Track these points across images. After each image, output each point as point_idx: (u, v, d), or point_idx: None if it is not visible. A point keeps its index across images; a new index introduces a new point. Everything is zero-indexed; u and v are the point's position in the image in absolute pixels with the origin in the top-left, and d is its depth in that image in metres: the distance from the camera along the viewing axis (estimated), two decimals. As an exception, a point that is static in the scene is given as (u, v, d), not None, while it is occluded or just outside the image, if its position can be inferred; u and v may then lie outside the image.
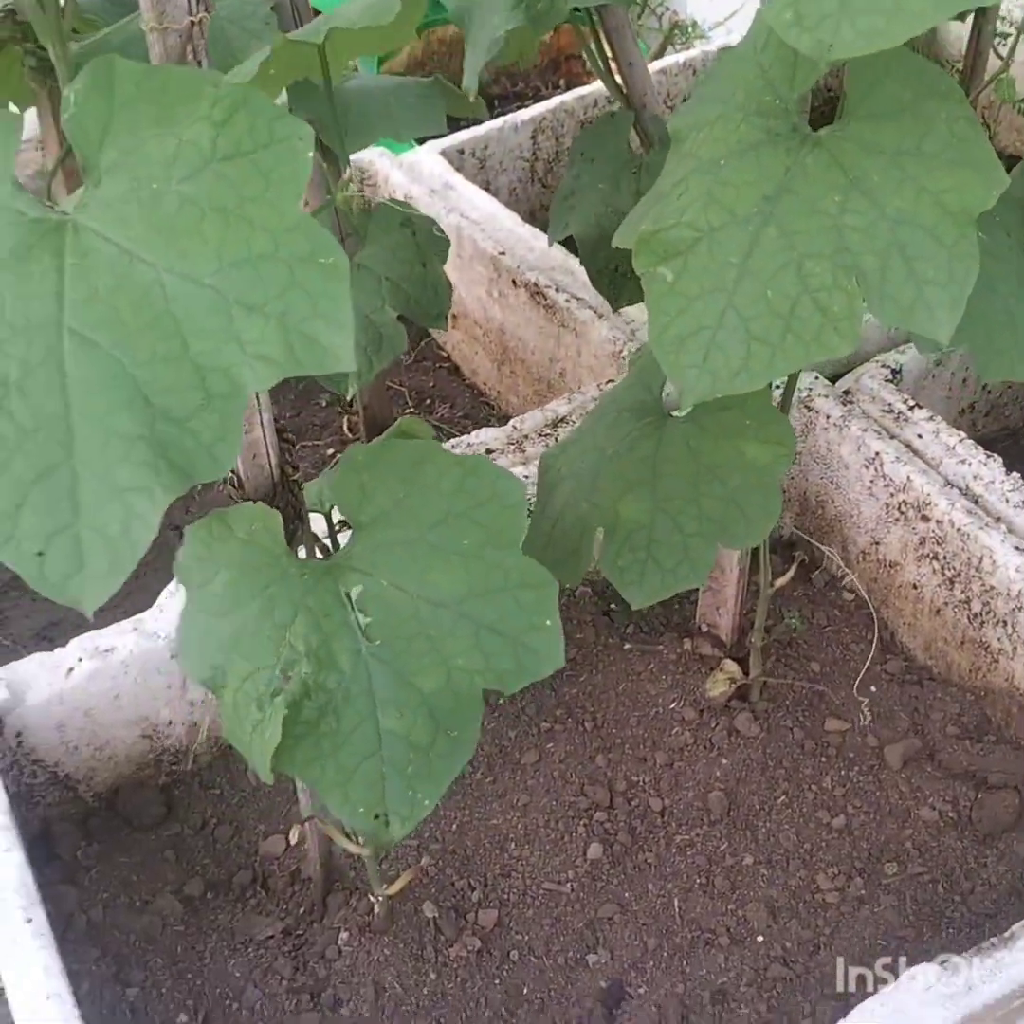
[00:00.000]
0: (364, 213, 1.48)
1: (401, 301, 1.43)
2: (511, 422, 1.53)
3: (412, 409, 1.90)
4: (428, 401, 1.92)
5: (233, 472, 0.96)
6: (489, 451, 1.50)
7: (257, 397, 0.94)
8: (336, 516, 0.99)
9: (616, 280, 1.49)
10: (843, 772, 1.39)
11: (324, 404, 1.91)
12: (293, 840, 1.21)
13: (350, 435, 1.82)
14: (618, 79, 1.39)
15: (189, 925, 1.27)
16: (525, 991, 1.22)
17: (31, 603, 1.65)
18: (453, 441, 1.53)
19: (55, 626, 1.61)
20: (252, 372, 0.69)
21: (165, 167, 0.69)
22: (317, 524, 1.00)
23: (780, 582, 1.35)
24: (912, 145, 0.90)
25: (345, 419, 1.85)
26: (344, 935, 1.24)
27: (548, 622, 0.91)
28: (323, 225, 0.71)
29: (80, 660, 1.29)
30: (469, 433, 1.55)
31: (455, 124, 2.06)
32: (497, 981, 1.23)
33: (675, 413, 1.16)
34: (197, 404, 0.69)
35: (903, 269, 0.91)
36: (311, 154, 0.70)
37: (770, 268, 0.93)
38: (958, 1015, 1.04)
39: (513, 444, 1.51)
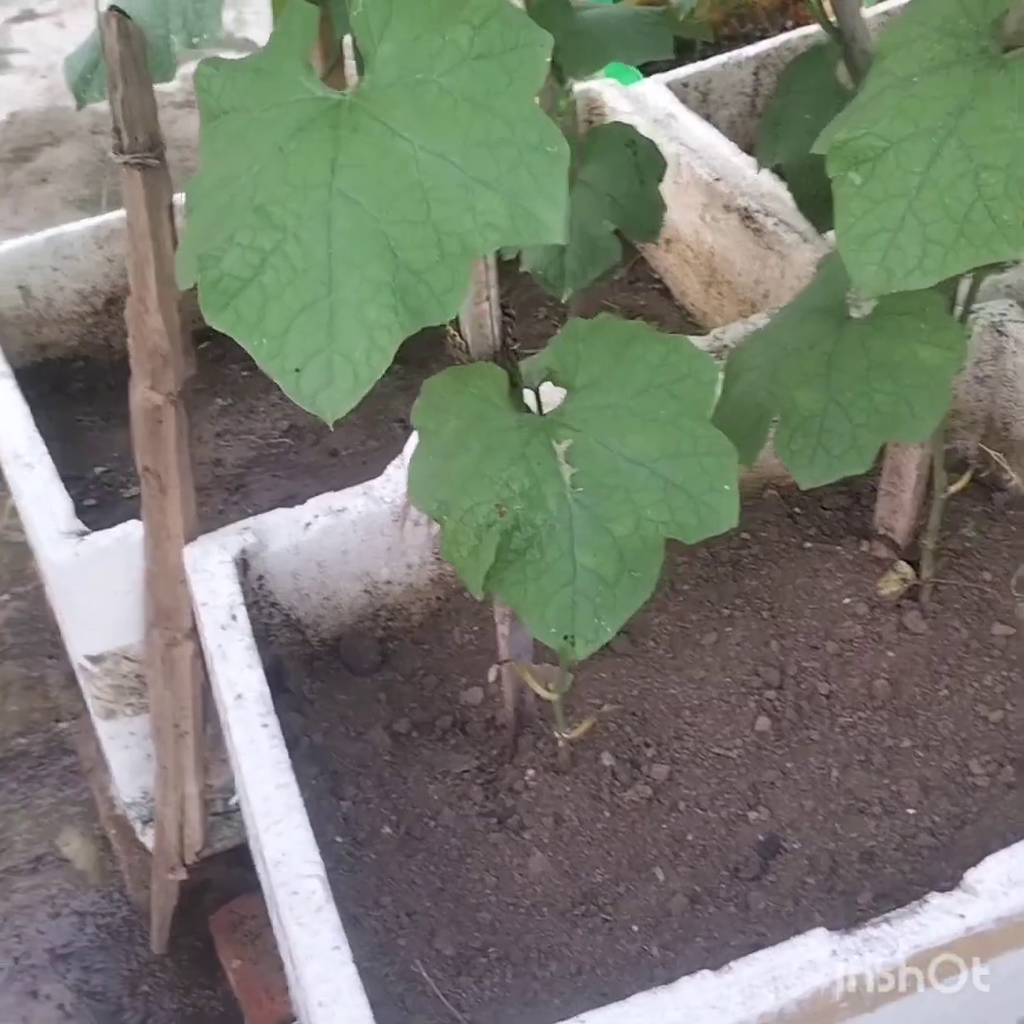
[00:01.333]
0: (589, 133, 1.61)
1: (618, 216, 1.56)
2: (713, 332, 1.65)
3: (623, 325, 2.03)
4: (638, 319, 2.04)
5: (461, 337, 1.11)
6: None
7: (487, 276, 1.08)
8: (544, 389, 1.13)
9: (821, 205, 1.59)
10: (1005, 672, 1.48)
11: (541, 316, 2.05)
12: (491, 678, 1.37)
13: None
14: (832, 17, 1.49)
15: (396, 755, 1.44)
16: (689, 837, 1.35)
17: (272, 478, 1.84)
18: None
19: (293, 498, 1.78)
20: (481, 237, 0.83)
21: (430, 60, 0.84)
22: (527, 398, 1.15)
23: (954, 488, 1.44)
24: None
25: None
26: (530, 772, 1.39)
27: (727, 486, 1.04)
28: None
29: (316, 517, 1.47)
30: (673, 342, 1.67)
31: (680, 60, 2.17)
32: (664, 825, 1.36)
33: (854, 314, 1.26)
34: (434, 260, 0.84)
35: (1075, 185, 1.00)
36: (548, 59, 0.84)
37: (949, 177, 1.03)
38: (1085, 874, 1.13)
39: (713, 353, 1.62)
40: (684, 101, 2.12)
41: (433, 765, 1.43)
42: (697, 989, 1.08)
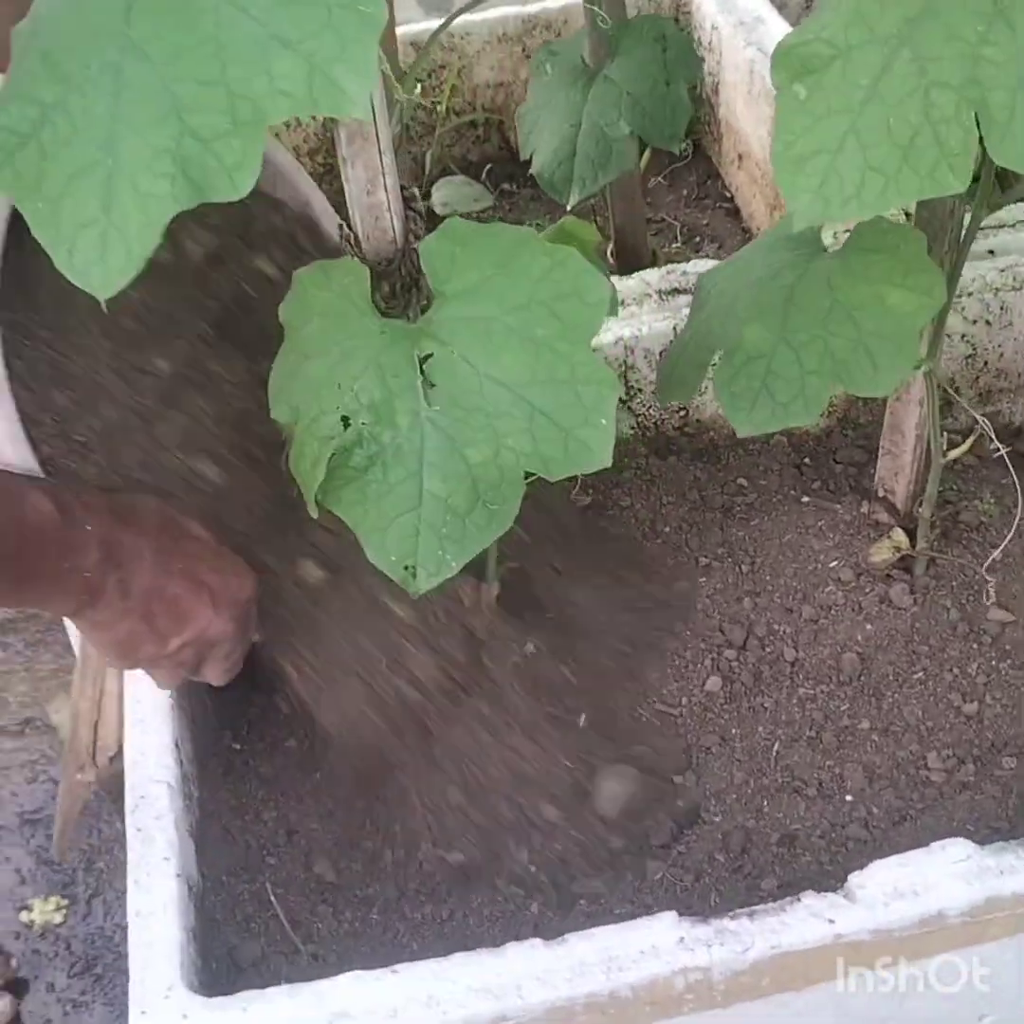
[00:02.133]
0: (621, 24, 1.49)
1: (637, 117, 1.45)
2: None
3: (678, 243, 1.90)
4: (697, 238, 1.92)
5: (351, 230, 1.02)
6: (705, 280, 1.50)
7: (381, 160, 0.99)
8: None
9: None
10: (993, 663, 1.34)
11: (598, 225, 1.93)
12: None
13: (609, 259, 1.84)
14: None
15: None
16: (606, 792, 1.27)
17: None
18: (672, 265, 1.54)
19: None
20: (273, 105, 0.74)
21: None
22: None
23: (954, 453, 1.30)
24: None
25: (610, 245, 1.87)
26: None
27: (603, 420, 0.93)
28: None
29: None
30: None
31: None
32: (581, 777, 1.28)
33: (829, 245, 1.13)
34: (225, 128, 0.75)
35: (1034, 108, 0.86)
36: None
37: (897, 94, 0.89)
38: (981, 895, 1.01)
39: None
40: (783, 6, 1.96)
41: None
42: (524, 957, 1.00)
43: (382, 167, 0.98)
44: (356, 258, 1.02)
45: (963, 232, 1.16)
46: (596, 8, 1.53)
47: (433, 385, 0.93)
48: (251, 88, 0.74)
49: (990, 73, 0.87)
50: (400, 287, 1.03)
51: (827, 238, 1.18)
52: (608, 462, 0.93)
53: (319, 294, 0.98)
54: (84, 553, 0.96)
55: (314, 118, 1.86)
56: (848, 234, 1.14)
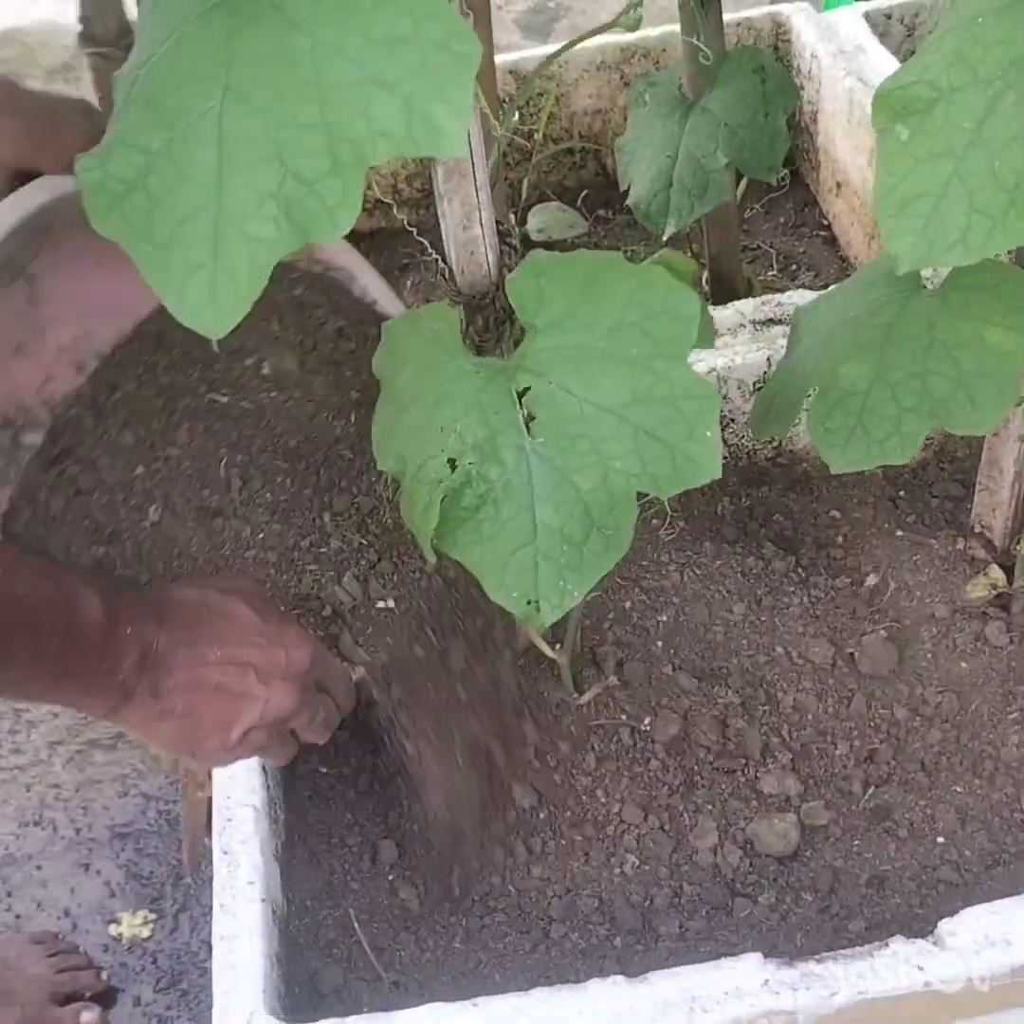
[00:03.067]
0: (720, 55, 1.48)
1: (735, 148, 1.44)
2: (831, 289, 1.50)
3: (774, 271, 1.89)
4: (794, 266, 1.90)
5: (446, 264, 1.02)
6: (801, 313, 1.49)
7: (478, 196, 0.99)
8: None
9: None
10: (1093, 703, 1.31)
11: (693, 254, 1.93)
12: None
13: (704, 288, 1.84)
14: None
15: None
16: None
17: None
18: (768, 296, 1.53)
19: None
20: (372, 146, 0.75)
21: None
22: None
23: (1055, 491, 1.28)
24: None
25: (704, 273, 1.86)
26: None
27: (708, 433, 0.93)
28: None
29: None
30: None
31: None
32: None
33: (927, 284, 1.12)
34: (325, 169, 0.75)
35: None
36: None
37: (1002, 137, 0.88)
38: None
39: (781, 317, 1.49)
40: (884, 34, 1.95)
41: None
42: (605, 994, 0.99)
43: (478, 203, 0.98)
44: (450, 292, 1.02)
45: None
46: (696, 40, 1.53)
47: (534, 418, 0.93)
48: (351, 130, 0.75)
49: None
50: (494, 320, 1.03)
51: (925, 273, 1.16)
52: (718, 474, 0.93)
53: (409, 342, 0.98)
54: (121, 657, 0.94)
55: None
56: (947, 270, 1.12)
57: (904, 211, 0.92)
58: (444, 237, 1.00)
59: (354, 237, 0.90)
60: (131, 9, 1.21)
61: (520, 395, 0.94)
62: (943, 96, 0.90)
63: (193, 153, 0.77)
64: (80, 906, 1.79)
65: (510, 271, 1.03)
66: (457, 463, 0.93)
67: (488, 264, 1.03)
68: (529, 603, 0.94)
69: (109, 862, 1.84)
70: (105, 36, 1.11)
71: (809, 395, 1.13)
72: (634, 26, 1.20)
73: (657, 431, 0.93)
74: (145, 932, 1.76)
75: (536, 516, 0.94)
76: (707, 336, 1.14)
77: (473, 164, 0.99)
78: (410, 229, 1.08)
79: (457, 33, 0.74)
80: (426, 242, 1.05)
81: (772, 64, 1.45)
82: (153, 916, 1.77)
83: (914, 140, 0.92)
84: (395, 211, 1.35)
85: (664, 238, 1.46)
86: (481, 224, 1.00)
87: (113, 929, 1.76)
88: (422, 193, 2.01)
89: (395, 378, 0.99)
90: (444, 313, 0.98)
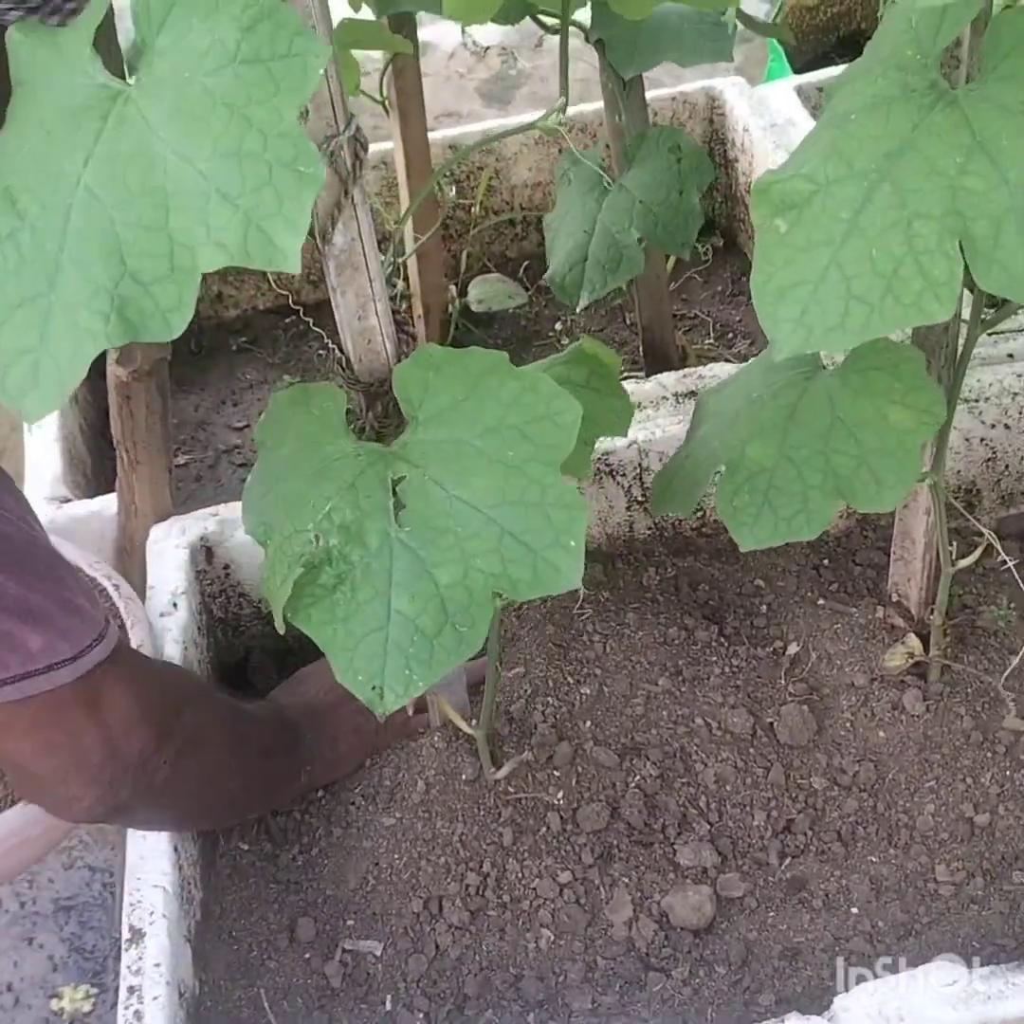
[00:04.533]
0: (638, 135, 1.51)
1: (649, 225, 1.47)
2: (698, 369, 1.54)
3: (711, 339, 1.92)
4: (730, 334, 1.93)
5: (343, 353, 1.04)
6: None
7: (371, 287, 1.02)
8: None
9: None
10: (1007, 773, 1.32)
11: (630, 323, 1.96)
12: (410, 712, 1.31)
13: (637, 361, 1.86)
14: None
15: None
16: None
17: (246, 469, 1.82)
18: (689, 369, 1.55)
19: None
20: (208, 255, 0.77)
21: (199, 59, 0.77)
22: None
23: (962, 563, 1.29)
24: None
25: (638, 346, 1.89)
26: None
27: (572, 543, 0.94)
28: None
29: (287, 511, 1.43)
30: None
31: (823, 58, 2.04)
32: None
33: (828, 366, 1.14)
34: (163, 272, 0.77)
35: (1018, 236, 0.87)
36: (322, 71, 0.76)
37: (879, 226, 0.91)
38: (970, 1022, 1.00)
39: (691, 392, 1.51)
40: (817, 106, 1.98)
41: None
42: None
43: (373, 293, 1.00)
44: (348, 380, 1.04)
45: (961, 344, 1.16)
46: (618, 120, 1.56)
47: (404, 507, 0.95)
48: (191, 237, 0.77)
49: (971, 203, 0.88)
50: (393, 407, 1.05)
51: (825, 355, 1.19)
52: (577, 584, 0.94)
53: (295, 416, 1.00)
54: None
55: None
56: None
57: (782, 299, 0.94)
58: (339, 327, 1.02)
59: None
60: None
61: (395, 483, 0.96)
62: (821, 188, 0.93)
63: (39, 242, 0.79)
64: (22, 980, 1.79)
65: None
66: (321, 541, 0.95)
67: (386, 352, 1.05)
68: (373, 689, 0.95)
69: (53, 935, 1.84)
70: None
71: (716, 474, 1.16)
72: (554, 130, 1.24)
73: (522, 535, 0.94)
74: (86, 1006, 1.76)
75: (392, 603, 0.95)
76: (623, 425, 1.16)
77: (365, 256, 1.01)
78: (306, 320, 1.10)
79: (306, 155, 0.76)
80: (324, 333, 1.07)
81: (688, 143, 1.47)
82: (95, 990, 1.77)
83: (792, 231, 0.94)
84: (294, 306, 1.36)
85: (578, 310, 1.48)
86: (377, 314, 1.02)
87: (54, 1004, 1.76)
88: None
89: (275, 448, 1.01)
90: (331, 393, 1.00)
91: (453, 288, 1.98)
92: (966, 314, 1.12)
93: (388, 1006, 1.19)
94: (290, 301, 1.08)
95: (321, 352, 1.98)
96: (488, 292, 1.99)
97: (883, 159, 0.92)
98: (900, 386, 1.10)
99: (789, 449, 1.12)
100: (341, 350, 1.04)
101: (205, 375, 2.01)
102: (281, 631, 0.97)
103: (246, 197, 0.76)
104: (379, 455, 0.97)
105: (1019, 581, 1.36)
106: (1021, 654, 1.37)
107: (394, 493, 0.95)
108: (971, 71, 0.93)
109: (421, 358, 0.97)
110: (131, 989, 1.07)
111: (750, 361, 1.28)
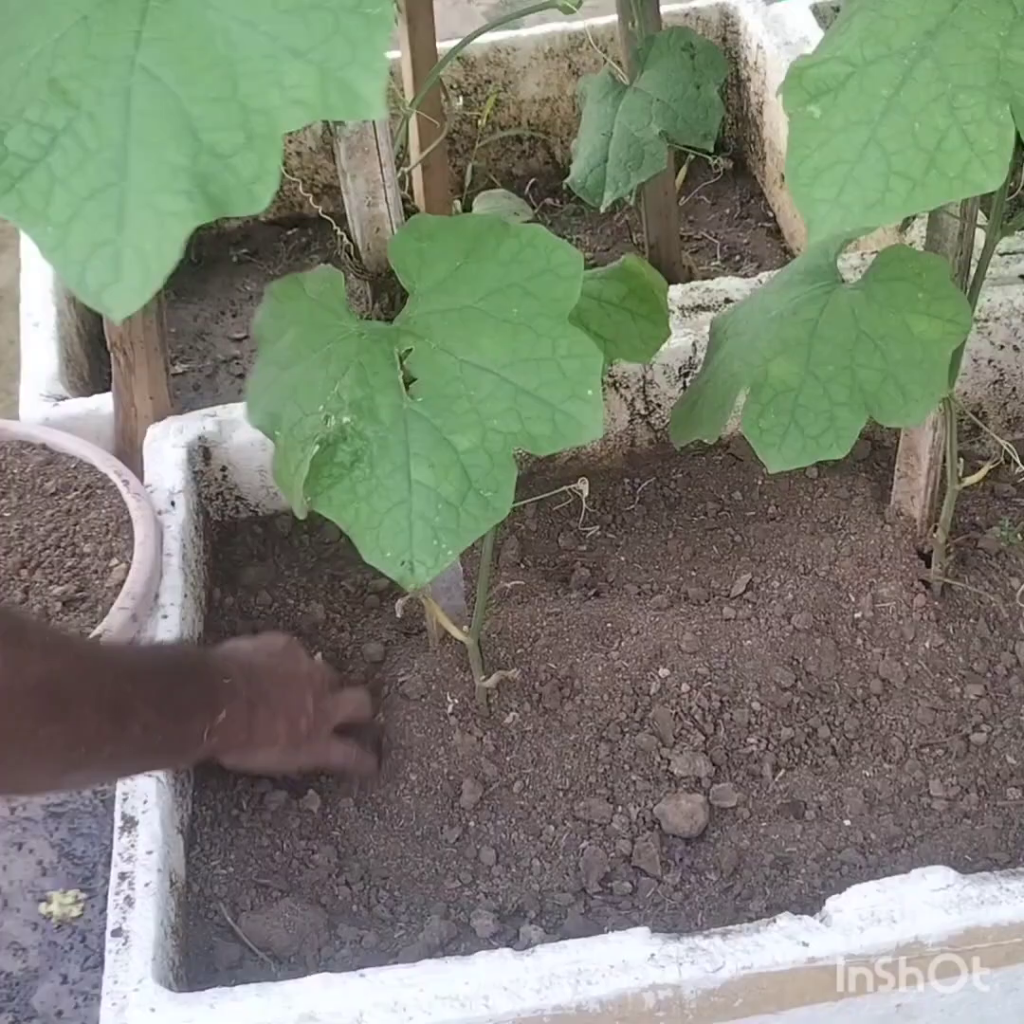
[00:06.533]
0: (648, 38, 1.49)
1: (669, 120, 1.45)
2: (759, 276, 1.51)
3: (717, 261, 1.90)
4: (737, 257, 1.91)
5: (351, 241, 1.02)
6: (728, 300, 1.49)
7: (382, 173, 1.00)
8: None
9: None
10: (1008, 691, 1.32)
11: (637, 242, 1.94)
12: (398, 615, 1.30)
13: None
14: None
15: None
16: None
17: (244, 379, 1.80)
18: (695, 283, 1.53)
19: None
20: (288, 114, 0.74)
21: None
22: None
23: (969, 480, 1.28)
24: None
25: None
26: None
27: (589, 392, 0.93)
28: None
29: (286, 413, 1.41)
30: (725, 281, 1.55)
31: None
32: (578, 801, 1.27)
33: (848, 278, 1.12)
34: (240, 143, 0.74)
35: (1067, 101, 0.86)
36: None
37: (920, 100, 0.89)
38: (960, 924, 1.00)
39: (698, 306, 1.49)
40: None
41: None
42: (492, 967, 1.00)
43: (383, 179, 0.99)
44: (356, 269, 1.03)
45: (972, 255, 1.14)
46: (631, 27, 1.53)
47: (414, 379, 0.94)
48: (265, 101, 0.74)
49: (1019, 74, 0.86)
50: (401, 297, 1.04)
51: (844, 268, 1.17)
52: (600, 433, 0.93)
53: (293, 304, 0.99)
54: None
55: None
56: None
57: (817, 179, 0.91)
58: (348, 214, 1.01)
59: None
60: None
61: (402, 357, 0.95)
62: (858, 70, 0.90)
63: (100, 130, 0.76)
64: (11, 884, 1.78)
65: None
66: (334, 420, 0.94)
67: (397, 240, 1.03)
68: (402, 563, 0.95)
69: (43, 841, 1.83)
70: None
71: (737, 396, 1.14)
72: (571, 10, 1.21)
73: (537, 391, 0.94)
74: (75, 911, 1.76)
75: (411, 474, 0.95)
76: (649, 350, 1.14)
77: (377, 140, 0.99)
78: (316, 208, 1.08)
79: None
80: (332, 220, 1.05)
81: (700, 40, 1.45)
82: (84, 895, 1.77)
83: (827, 114, 0.92)
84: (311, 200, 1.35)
85: (602, 210, 1.46)
86: (387, 201, 1.00)
87: (43, 908, 1.76)
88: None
89: (276, 340, 1.00)
90: (329, 276, 0.99)
91: (458, 203, 1.95)
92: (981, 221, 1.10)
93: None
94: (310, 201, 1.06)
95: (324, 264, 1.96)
96: (493, 208, 1.96)
97: (924, 36, 0.90)
98: (924, 296, 1.08)
99: (814, 366, 1.10)
100: (349, 237, 1.02)
101: (205, 285, 1.99)
102: (300, 516, 0.96)
103: (317, 50, 0.73)
104: (383, 332, 0.96)
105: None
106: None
107: (402, 367, 0.94)
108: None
109: (413, 228, 0.96)
110: (122, 875, 1.07)
111: (765, 279, 1.26)
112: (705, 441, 1.22)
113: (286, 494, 0.97)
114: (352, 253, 1.03)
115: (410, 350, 0.94)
